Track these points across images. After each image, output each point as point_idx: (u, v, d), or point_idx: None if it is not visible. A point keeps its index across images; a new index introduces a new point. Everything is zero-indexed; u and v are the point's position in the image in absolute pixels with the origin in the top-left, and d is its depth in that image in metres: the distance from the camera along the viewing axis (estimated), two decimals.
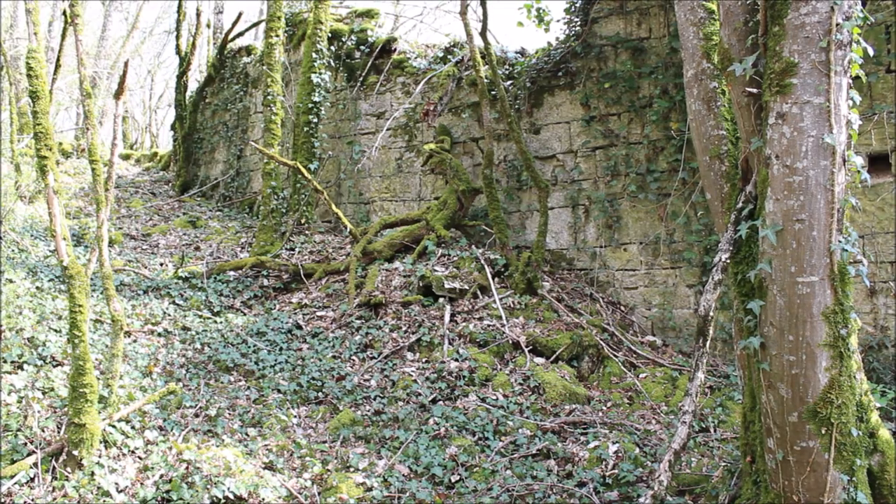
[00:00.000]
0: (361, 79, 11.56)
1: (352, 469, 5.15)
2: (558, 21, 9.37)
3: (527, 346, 7.20)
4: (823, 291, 3.01)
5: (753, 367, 3.30)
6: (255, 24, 16.19)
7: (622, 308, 8.39)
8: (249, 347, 7.20)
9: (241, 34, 15.00)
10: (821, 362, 3.05)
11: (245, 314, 8.31)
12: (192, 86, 15.76)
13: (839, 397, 3.07)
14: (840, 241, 2.99)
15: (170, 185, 15.36)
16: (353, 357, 7.16)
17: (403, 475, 5.11)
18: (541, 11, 9.26)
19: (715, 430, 5.85)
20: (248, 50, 14.48)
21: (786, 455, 3.20)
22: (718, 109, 3.97)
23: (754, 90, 3.29)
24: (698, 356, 3.53)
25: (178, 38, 15.94)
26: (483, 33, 8.93)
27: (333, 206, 9.83)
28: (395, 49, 11.51)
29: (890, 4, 6.66)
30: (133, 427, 5.13)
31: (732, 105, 3.60)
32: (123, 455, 4.80)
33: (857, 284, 3.14)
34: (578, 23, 9.03)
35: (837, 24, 3.04)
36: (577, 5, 9.07)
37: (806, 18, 3.05)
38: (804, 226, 2.98)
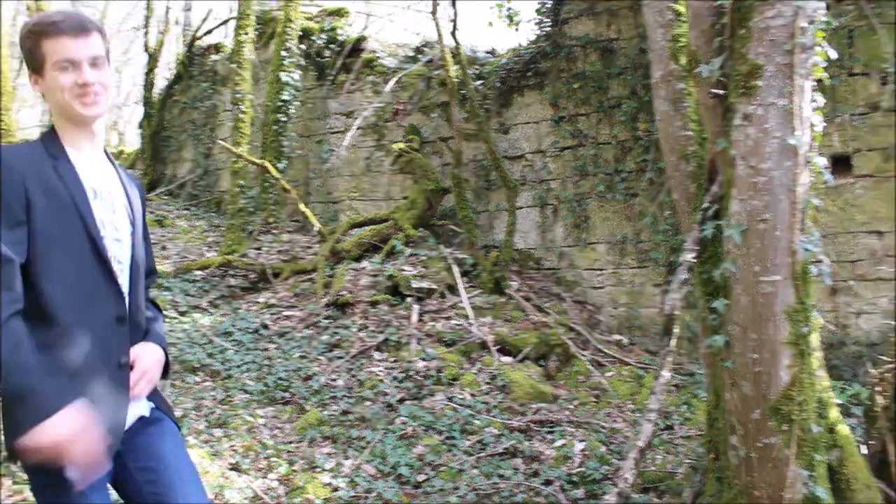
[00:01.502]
0: (331, 77, 11.52)
1: (318, 469, 5.13)
2: (529, 21, 9.40)
3: (494, 346, 7.21)
4: (786, 290, 3.05)
5: (718, 365, 3.34)
6: (225, 22, 16.06)
7: (589, 307, 8.45)
8: (216, 347, 7.15)
9: (210, 32, 14.88)
10: (783, 360, 3.09)
11: (212, 314, 8.25)
12: (160, 83, 15.60)
13: (800, 394, 3.11)
14: (802, 241, 3.03)
15: None
16: (321, 357, 7.14)
17: (370, 475, 5.10)
18: (511, 11, 9.29)
19: (680, 428, 5.90)
20: (218, 47, 14.37)
21: (749, 451, 3.24)
22: (685, 110, 4.00)
23: (720, 92, 3.32)
24: (664, 354, 3.56)
25: (146, 34, 15.78)
26: (453, 33, 8.94)
27: (302, 206, 9.79)
28: (366, 48, 11.48)
29: (852, 9, 6.77)
30: None
31: (699, 106, 3.63)
32: None
33: (819, 283, 3.20)
34: (549, 23, 9.07)
35: (801, 28, 3.08)
36: (548, 6, 9.11)
37: (771, 22, 3.08)
38: (768, 226, 3.02)
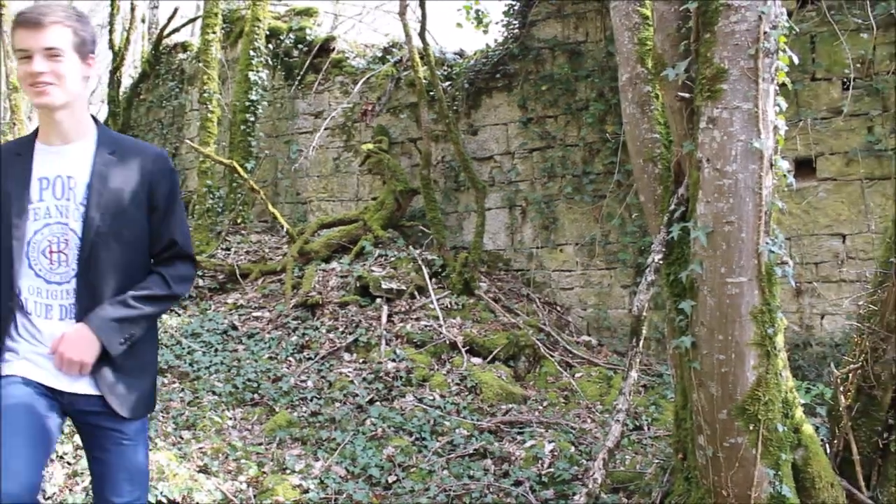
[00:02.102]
0: (300, 77, 11.47)
1: (288, 471, 5.11)
2: (497, 23, 9.43)
3: (464, 347, 7.23)
4: (752, 292, 3.09)
5: (685, 365, 3.37)
6: (192, 20, 15.92)
7: (558, 308, 8.49)
8: (184, 349, 7.09)
9: (177, 30, 14.73)
10: (749, 361, 3.13)
11: (179, 315, 8.18)
12: (126, 82, 15.40)
13: (766, 395, 3.15)
14: (767, 243, 3.07)
15: None
16: (290, 358, 7.11)
17: (340, 476, 5.09)
18: (480, 13, 9.31)
19: (648, 428, 5.96)
20: (185, 46, 14.22)
21: (716, 451, 3.27)
22: (652, 113, 4.04)
23: (686, 95, 3.35)
24: (632, 356, 3.59)
25: (111, 32, 15.54)
26: (422, 34, 8.94)
27: (270, 206, 9.74)
28: (334, 48, 11.45)
29: (814, 15, 6.87)
30: (62, 432, 5.00)
31: (665, 109, 3.67)
32: (52, 461, 4.68)
33: (784, 285, 3.25)
34: (517, 25, 9.11)
35: (765, 33, 3.12)
36: (516, 8, 9.14)
37: (736, 26, 3.12)
38: (733, 228, 3.06)
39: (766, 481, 3.22)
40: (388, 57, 10.86)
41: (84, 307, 2.52)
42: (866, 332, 3.68)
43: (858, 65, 6.71)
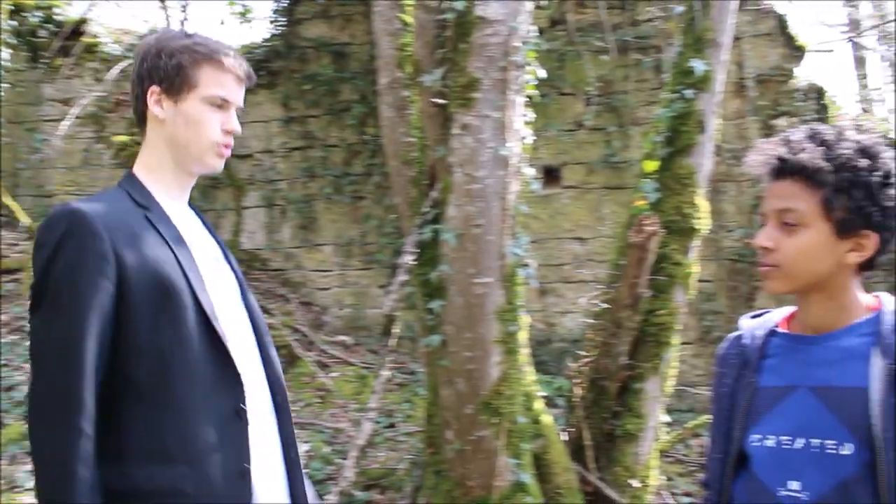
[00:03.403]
0: (47, 60, 10.61)
1: (19, 489, 4.72)
2: (263, 20, 9.26)
3: None
4: (497, 292, 3.26)
5: (435, 363, 3.49)
6: None
7: (316, 308, 8.47)
8: None
9: None
10: (493, 357, 3.30)
11: None
12: None
13: (509, 389, 3.34)
14: (511, 246, 3.25)
15: None
16: (26, 364, 6.57)
17: None
18: (245, 8, 9.10)
19: (402, 425, 6.08)
20: None
21: (463, 445, 3.42)
22: (409, 117, 4.15)
23: (442, 101, 3.46)
24: (384, 354, 3.66)
25: None
26: (183, 24, 8.61)
27: (8, 199, 8.97)
28: (87, 32, 10.71)
29: (563, 35, 7.36)
30: None
31: (421, 114, 3.77)
32: None
33: (527, 285, 3.45)
34: (283, 23, 8.99)
35: (515, 47, 3.30)
36: (283, 5, 9.03)
37: (489, 39, 3.28)
38: (481, 230, 3.21)
39: (509, 470, 3.41)
40: None
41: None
42: (598, 328, 3.99)
43: (600, 83, 7.25)
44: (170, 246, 1.73)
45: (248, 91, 2.12)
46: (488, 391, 3.32)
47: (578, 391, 4.04)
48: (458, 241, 3.24)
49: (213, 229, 2.04)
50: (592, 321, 4.16)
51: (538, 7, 4.09)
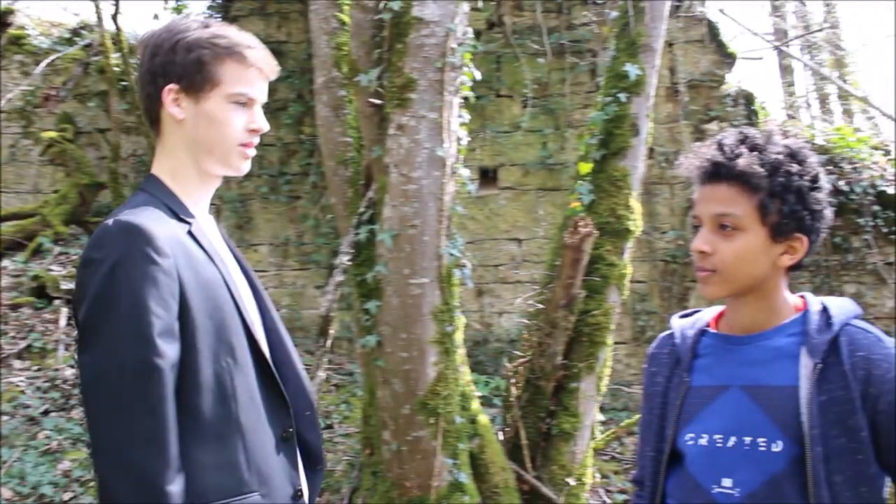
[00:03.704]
0: None
1: None
2: (198, 15, 9.11)
3: None
4: (433, 292, 3.27)
5: (371, 363, 3.48)
6: None
7: None
8: None
9: None
10: (429, 358, 3.30)
11: None
12: None
13: (445, 389, 3.35)
14: (448, 246, 3.26)
15: None
16: None
17: (6, 499, 4.63)
18: (180, 4, 8.95)
19: (339, 427, 6.06)
20: None
21: (400, 445, 3.42)
22: (346, 117, 4.13)
23: (378, 101, 3.46)
24: (319, 355, 3.64)
25: None
26: (115, 17, 8.41)
27: None
28: (13, 23, 10.41)
29: (500, 37, 7.41)
30: None
31: (358, 114, 3.77)
32: None
33: (463, 286, 3.48)
34: (219, 19, 8.86)
35: (452, 48, 3.31)
36: (218, 2, 8.91)
37: (426, 40, 3.28)
38: (417, 231, 3.21)
39: (446, 470, 3.42)
40: (76, 39, 10.06)
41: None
42: (534, 328, 4.03)
43: (536, 86, 7.32)
44: (216, 265, 1.63)
45: None
46: (425, 391, 3.32)
47: (515, 391, 4.07)
48: (395, 242, 3.24)
49: (226, 235, 1.91)
50: (528, 321, 4.19)
51: (475, 9, 4.12)
